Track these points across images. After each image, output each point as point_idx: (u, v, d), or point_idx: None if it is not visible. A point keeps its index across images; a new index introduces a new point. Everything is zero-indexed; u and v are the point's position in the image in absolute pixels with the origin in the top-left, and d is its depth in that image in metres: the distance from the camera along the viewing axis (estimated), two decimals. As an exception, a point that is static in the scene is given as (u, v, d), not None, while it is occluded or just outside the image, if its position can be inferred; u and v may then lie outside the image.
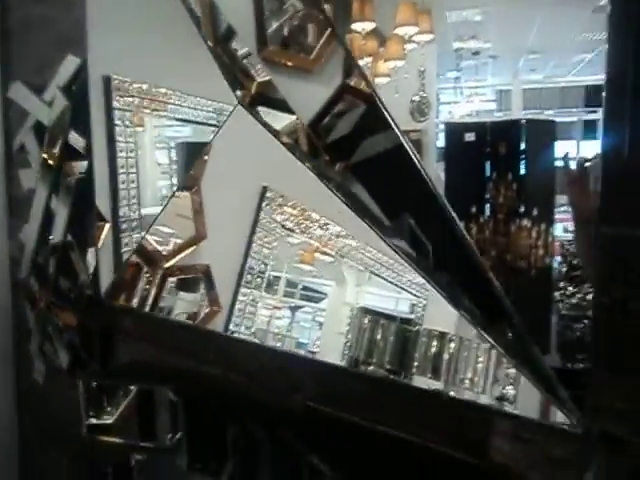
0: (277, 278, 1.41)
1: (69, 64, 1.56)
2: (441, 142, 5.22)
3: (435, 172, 5.00)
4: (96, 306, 1.59)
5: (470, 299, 0.97)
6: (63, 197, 1.64)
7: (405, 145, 1.06)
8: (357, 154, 1.15)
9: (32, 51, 1.80)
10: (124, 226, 1.60)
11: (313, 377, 1.11)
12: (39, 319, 1.82)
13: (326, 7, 1.96)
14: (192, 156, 1.86)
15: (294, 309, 1.42)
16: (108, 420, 1.59)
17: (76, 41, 1.60)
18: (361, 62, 3.11)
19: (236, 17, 1.26)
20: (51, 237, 1.70)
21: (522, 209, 4.25)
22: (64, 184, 1.62)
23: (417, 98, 4.83)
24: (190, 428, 1.13)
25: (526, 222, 4.20)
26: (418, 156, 1.05)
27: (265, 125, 1.24)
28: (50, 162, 1.65)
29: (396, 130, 1.07)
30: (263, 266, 1.40)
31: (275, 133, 1.22)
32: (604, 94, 0.63)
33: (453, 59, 7.12)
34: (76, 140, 1.57)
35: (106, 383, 1.40)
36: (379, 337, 1.23)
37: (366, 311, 1.27)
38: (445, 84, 7.59)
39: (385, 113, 1.07)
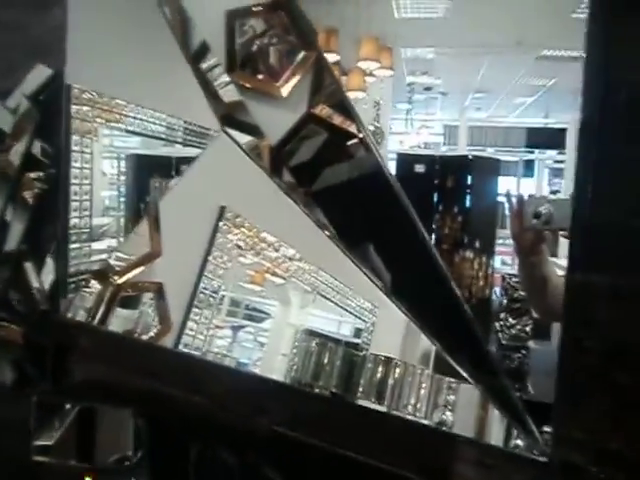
0: (223, 297, 1.41)
1: (39, 73, 1.53)
2: (391, 170, 5.40)
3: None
4: (49, 321, 1.55)
5: (437, 325, 1.02)
6: (20, 208, 1.59)
7: (384, 170, 1.12)
8: (323, 179, 1.20)
9: (-4, 56, 1.75)
10: (74, 237, 1.59)
11: (279, 400, 1.12)
12: (-19, 333, 1.73)
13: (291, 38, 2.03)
14: (142, 168, 1.87)
15: (236, 329, 1.43)
16: (50, 441, 1.53)
17: (46, 50, 1.57)
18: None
19: (209, 36, 1.29)
20: (4, 250, 1.64)
21: (466, 241, 4.44)
22: (22, 195, 1.58)
23: (372, 128, 4.98)
24: (152, 449, 1.11)
25: (469, 253, 4.38)
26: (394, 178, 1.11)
27: (240, 147, 1.28)
28: (8, 171, 1.60)
29: (376, 155, 1.13)
30: (216, 286, 1.41)
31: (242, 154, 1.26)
32: (576, 140, 0.70)
33: (405, 92, 7.41)
34: (40, 150, 1.54)
35: (57, 402, 1.36)
36: (325, 360, 1.24)
37: (311, 333, 1.29)
38: (397, 115, 7.87)
39: (365, 138, 1.12)
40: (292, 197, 1.21)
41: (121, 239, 1.75)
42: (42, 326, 1.56)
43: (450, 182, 4.72)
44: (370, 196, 1.12)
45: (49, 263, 1.61)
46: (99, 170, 1.67)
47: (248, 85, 1.24)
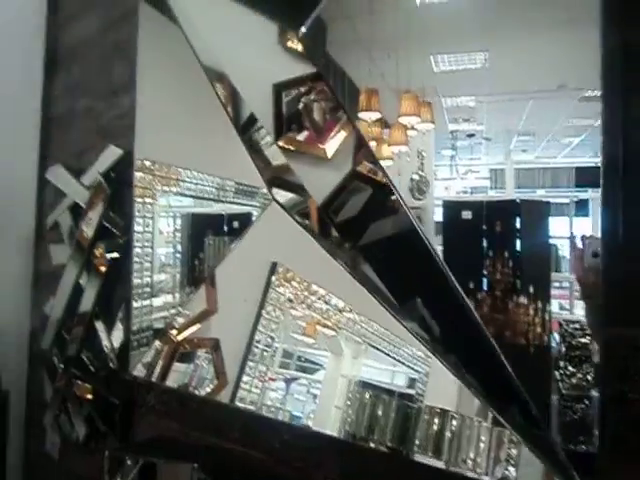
0: (276, 349, 1.44)
1: (110, 153, 1.72)
2: (438, 216, 5.41)
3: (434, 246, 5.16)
4: (118, 379, 1.65)
5: (479, 377, 1.02)
6: (94, 274, 1.75)
7: (416, 226, 1.17)
8: (367, 235, 1.25)
9: (73, 138, 1.97)
10: (136, 295, 1.70)
11: (335, 454, 1.16)
12: (58, 390, 1.86)
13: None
14: (196, 226, 1.96)
15: (289, 381, 1.44)
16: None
17: (116, 132, 1.76)
18: (366, 147, 3.33)
19: (256, 107, 1.41)
20: (78, 311, 1.79)
21: (519, 286, 4.33)
22: (95, 263, 1.73)
23: (416, 177, 5.05)
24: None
25: (523, 299, 4.27)
26: (428, 238, 1.16)
27: (287, 212, 1.36)
28: (84, 241, 1.77)
29: (408, 213, 1.18)
30: (270, 340, 1.46)
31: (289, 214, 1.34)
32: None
33: (449, 139, 7.48)
34: (112, 222, 1.70)
35: (124, 456, 1.44)
36: (379, 413, 1.23)
37: (364, 385, 1.28)
38: (441, 162, 7.92)
39: (396, 196, 1.19)
40: (338, 253, 1.26)
41: (177, 295, 1.83)
42: (111, 384, 1.67)
43: (498, 227, 4.67)
44: (402, 250, 1.17)
45: (118, 324, 1.74)
46: (157, 229, 1.79)
47: (294, 148, 1.32)
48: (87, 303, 1.77)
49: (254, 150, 1.43)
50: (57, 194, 1.96)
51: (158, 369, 1.61)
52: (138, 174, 1.65)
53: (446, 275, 1.15)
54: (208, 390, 1.51)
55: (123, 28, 1.77)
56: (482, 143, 8.47)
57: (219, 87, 1.48)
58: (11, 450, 1.75)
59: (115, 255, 1.68)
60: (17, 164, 2.04)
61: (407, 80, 4.88)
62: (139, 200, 1.65)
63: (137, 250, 1.68)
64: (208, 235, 1.89)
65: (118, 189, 1.69)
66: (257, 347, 1.44)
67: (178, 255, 1.88)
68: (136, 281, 1.69)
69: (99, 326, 1.77)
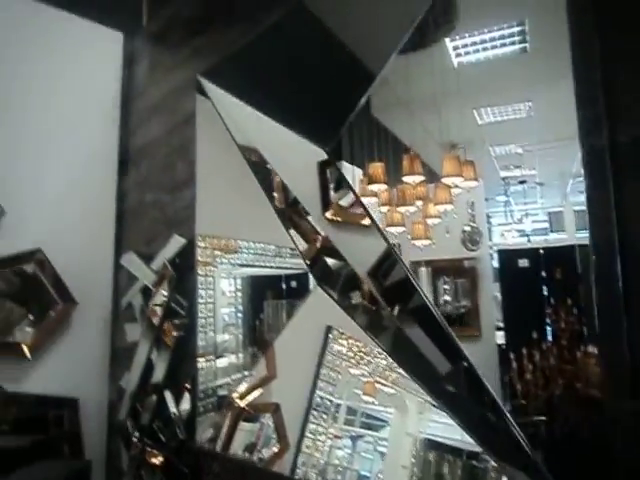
0: (338, 406, 1.48)
1: (175, 242, 1.93)
2: (496, 262, 5.38)
3: (492, 294, 5.12)
4: (186, 448, 1.79)
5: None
6: (163, 350, 1.93)
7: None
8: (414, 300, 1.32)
9: (143, 227, 2.22)
10: (201, 353, 1.79)
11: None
12: (134, 458, 2.02)
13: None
14: (255, 286, 2.06)
15: (355, 438, 1.45)
16: None
17: (180, 222, 1.98)
18: (413, 206, 3.46)
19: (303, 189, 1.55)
20: (150, 383, 1.96)
21: (586, 334, 4.18)
22: (164, 339, 1.91)
23: (468, 228, 5.06)
24: None
25: (592, 348, 4.10)
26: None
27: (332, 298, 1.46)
28: (154, 320, 1.96)
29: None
30: (328, 402, 1.53)
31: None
32: None
33: (502, 185, 7.46)
34: (178, 303, 1.89)
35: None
36: (445, 471, 1.23)
37: (430, 442, 1.29)
38: (495, 208, 7.88)
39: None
40: (388, 318, 1.32)
41: (240, 355, 1.94)
42: (180, 453, 1.81)
43: (558, 274, 4.58)
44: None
45: (185, 395, 1.89)
46: (220, 290, 1.90)
47: (340, 219, 1.42)
48: (158, 375, 1.94)
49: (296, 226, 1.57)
50: (130, 278, 2.20)
51: (223, 434, 1.72)
52: (200, 246, 1.81)
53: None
54: (275, 450, 1.57)
55: (184, 130, 2.02)
56: (536, 187, 8.33)
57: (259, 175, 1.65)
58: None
59: (181, 333, 1.86)
60: (96, 251, 2.31)
61: (453, 134, 5.06)
62: (201, 272, 1.82)
63: (201, 307, 1.80)
64: (267, 295, 2.02)
65: (182, 273, 1.88)
66: (318, 408, 1.48)
67: (240, 315, 1.96)
68: (201, 343, 1.80)
69: (168, 397, 1.93)
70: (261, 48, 1.67)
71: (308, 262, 1.51)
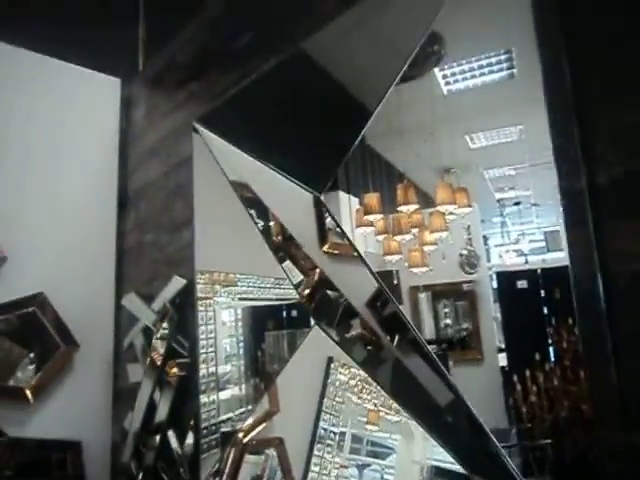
0: (343, 434, 1.45)
1: (175, 282, 1.96)
2: (495, 284, 5.40)
3: (492, 315, 5.13)
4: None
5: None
6: (166, 389, 1.94)
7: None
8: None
9: (143, 267, 2.25)
10: (203, 387, 1.80)
11: None
12: (138, 503, 2.01)
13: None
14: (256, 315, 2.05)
15: (361, 467, 1.44)
16: None
17: (179, 262, 2.02)
18: (409, 234, 3.50)
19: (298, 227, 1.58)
20: (153, 425, 1.97)
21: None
22: (167, 379, 1.93)
23: (465, 252, 5.11)
24: None
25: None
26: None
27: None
28: (156, 360, 1.98)
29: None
30: (333, 434, 1.54)
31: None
32: None
33: (497, 207, 7.54)
34: (179, 343, 1.91)
35: None
36: None
37: (437, 470, 1.26)
38: (492, 229, 7.95)
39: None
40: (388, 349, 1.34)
41: (243, 386, 1.92)
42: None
43: (557, 294, 4.60)
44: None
45: (189, 435, 1.89)
46: (220, 321, 1.90)
47: (337, 252, 1.46)
48: (161, 415, 1.95)
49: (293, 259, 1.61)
50: (131, 318, 2.22)
51: (228, 470, 1.72)
52: (200, 282, 1.84)
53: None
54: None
55: (181, 172, 2.07)
56: (531, 208, 8.44)
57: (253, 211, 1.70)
58: None
59: (183, 373, 1.87)
60: (97, 293, 2.34)
61: (446, 159, 5.14)
62: (201, 307, 1.84)
63: (202, 342, 1.81)
64: (268, 325, 2.02)
65: (183, 313, 1.91)
66: (322, 440, 1.47)
67: (241, 344, 1.95)
68: (203, 380, 1.80)
69: (171, 436, 1.93)
70: (255, 93, 1.73)
71: (304, 296, 1.54)
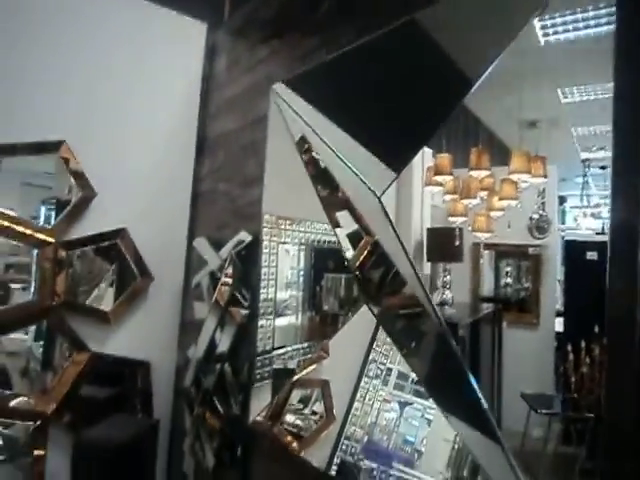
0: (390, 370, 1.51)
1: (243, 236, 2.09)
2: (564, 251, 5.25)
3: (556, 278, 5.03)
4: (240, 423, 2.00)
5: None
6: (227, 332, 2.13)
7: None
8: None
9: (215, 214, 2.40)
10: (262, 311, 1.93)
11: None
12: (194, 423, 2.28)
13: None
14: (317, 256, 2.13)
15: (403, 404, 1.47)
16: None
17: (248, 217, 2.13)
18: (477, 199, 3.44)
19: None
20: (213, 358, 2.18)
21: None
22: (229, 323, 2.11)
23: (536, 216, 4.94)
24: None
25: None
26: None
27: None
28: (220, 302, 2.16)
29: None
30: (380, 368, 1.63)
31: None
32: None
33: (581, 167, 7.11)
34: (241, 293, 2.06)
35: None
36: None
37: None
38: (571, 190, 7.54)
39: None
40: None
41: (300, 316, 1.98)
42: (234, 427, 2.03)
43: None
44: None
45: (244, 374, 2.09)
46: (283, 250, 1.99)
47: None
48: (221, 350, 2.15)
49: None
50: (200, 260, 2.40)
51: (275, 404, 1.90)
52: (266, 218, 1.95)
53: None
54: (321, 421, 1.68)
55: (256, 130, 2.13)
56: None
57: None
58: (158, 470, 2.18)
59: (243, 321, 2.04)
60: (172, 232, 2.53)
61: (535, 112, 4.86)
62: (266, 240, 1.95)
63: (265, 269, 1.93)
64: (329, 266, 2.10)
65: (247, 266, 2.04)
66: (369, 373, 1.55)
67: (302, 273, 2.00)
68: (262, 296, 1.93)
69: (228, 371, 2.14)
70: (347, 64, 1.69)
71: (356, 265, 1.61)
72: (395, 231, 1.46)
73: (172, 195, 2.53)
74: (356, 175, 1.55)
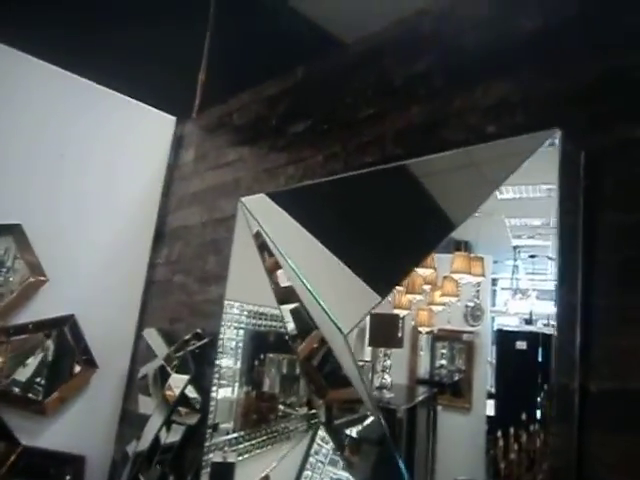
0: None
1: (199, 336, 2.09)
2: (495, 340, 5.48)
3: (487, 360, 5.21)
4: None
5: None
6: (174, 432, 2.08)
7: None
8: None
9: (168, 306, 2.39)
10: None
11: None
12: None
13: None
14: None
15: None
16: None
17: (205, 314, 2.15)
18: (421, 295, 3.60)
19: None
20: (156, 461, 2.11)
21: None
22: (177, 422, 2.07)
23: (471, 304, 5.16)
24: None
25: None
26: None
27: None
28: (168, 400, 2.12)
29: None
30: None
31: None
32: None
33: (512, 252, 7.57)
34: (192, 395, 2.04)
35: None
36: None
37: None
38: (502, 272, 7.99)
39: None
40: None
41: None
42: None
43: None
44: None
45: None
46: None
47: None
48: (165, 453, 2.09)
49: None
50: (149, 350, 2.36)
51: None
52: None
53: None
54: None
55: (220, 229, 2.19)
56: (547, 262, 8.40)
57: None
58: None
59: (191, 422, 2.01)
60: (121, 319, 2.49)
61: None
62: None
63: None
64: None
65: (201, 368, 2.04)
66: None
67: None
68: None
69: (171, 477, 2.07)
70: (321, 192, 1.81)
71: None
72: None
73: (125, 281, 2.51)
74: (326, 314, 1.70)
